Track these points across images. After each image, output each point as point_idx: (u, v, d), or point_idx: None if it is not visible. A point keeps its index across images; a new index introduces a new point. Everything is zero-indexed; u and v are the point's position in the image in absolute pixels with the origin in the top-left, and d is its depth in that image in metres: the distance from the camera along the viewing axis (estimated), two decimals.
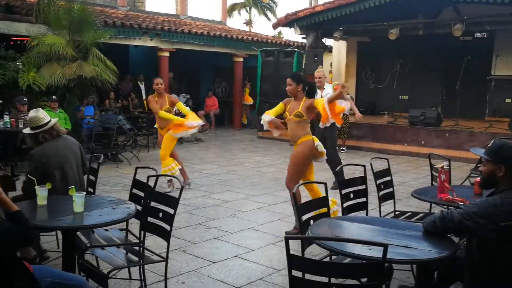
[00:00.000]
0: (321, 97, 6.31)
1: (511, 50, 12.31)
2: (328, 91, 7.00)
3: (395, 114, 13.48)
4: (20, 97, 8.97)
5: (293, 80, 5.19)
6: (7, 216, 2.43)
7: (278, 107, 5.35)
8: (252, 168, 9.31)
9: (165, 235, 3.44)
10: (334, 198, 4.86)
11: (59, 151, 4.09)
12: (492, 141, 3.15)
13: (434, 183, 4.88)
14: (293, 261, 2.32)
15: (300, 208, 3.34)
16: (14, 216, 2.42)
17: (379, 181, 4.45)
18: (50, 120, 4.12)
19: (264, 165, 9.65)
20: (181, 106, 7.41)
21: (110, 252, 3.55)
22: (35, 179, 3.65)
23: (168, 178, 7.15)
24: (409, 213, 4.66)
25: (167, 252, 3.47)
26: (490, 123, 10.99)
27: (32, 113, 4.17)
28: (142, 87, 14.75)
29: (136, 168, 4.26)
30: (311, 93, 5.27)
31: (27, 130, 4.17)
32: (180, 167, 7.26)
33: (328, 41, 15.28)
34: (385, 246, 2.20)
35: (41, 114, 4.14)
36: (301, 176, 5.17)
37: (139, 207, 3.69)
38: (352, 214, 3.87)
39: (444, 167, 3.87)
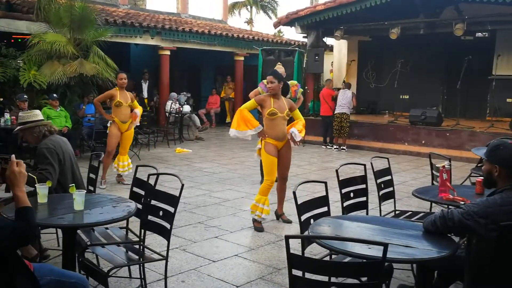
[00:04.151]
0: None
1: None
2: None
3: (396, 113, 13.47)
4: (20, 94, 9.00)
5: (275, 78, 5.34)
6: (15, 211, 2.42)
7: (252, 104, 5.45)
8: (252, 166, 9.30)
9: (165, 234, 3.44)
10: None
11: (62, 147, 4.17)
12: (492, 141, 3.15)
13: (434, 182, 4.88)
14: (293, 260, 2.32)
15: (300, 207, 3.35)
16: (18, 211, 2.40)
17: (379, 180, 4.45)
18: (35, 120, 4.19)
19: None
20: (135, 103, 7.76)
21: (110, 250, 3.55)
22: (35, 177, 3.65)
23: (119, 173, 7.68)
24: (409, 213, 4.66)
25: (167, 250, 3.47)
26: (491, 123, 10.97)
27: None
28: (145, 85, 14.74)
29: (137, 166, 4.26)
30: (285, 91, 5.63)
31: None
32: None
33: (329, 40, 15.30)
34: (385, 245, 2.20)
35: (24, 114, 4.30)
36: None
37: (140, 206, 3.69)
38: (352, 213, 3.87)
39: (445, 166, 3.86)
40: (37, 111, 4.38)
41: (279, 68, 7.02)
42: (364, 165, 4.27)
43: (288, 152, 5.54)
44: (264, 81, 6.19)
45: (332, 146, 12.00)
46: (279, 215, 5.76)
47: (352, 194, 4.00)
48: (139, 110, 7.72)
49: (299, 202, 3.32)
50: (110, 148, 7.46)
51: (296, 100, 7.37)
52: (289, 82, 7.19)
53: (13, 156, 2.54)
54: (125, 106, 7.40)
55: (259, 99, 5.42)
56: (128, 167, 7.60)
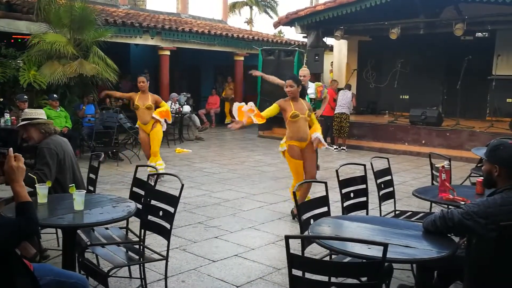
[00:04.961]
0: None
1: None
2: (311, 90, 7.19)
3: (395, 113, 13.48)
4: (20, 94, 9.00)
5: (294, 81, 5.56)
6: (15, 207, 2.39)
7: (274, 108, 5.56)
8: (252, 167, 9.31)
9: (165, 234, 3.44)
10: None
11: (62, 147, 4.18)
12: (492, 141, 3.15)
13: (434, 182, 4.88)
14: (293, 260, 2.32)
15: (300, 207, 3.35)
16: (18, 207, 2.36)
17: (379, 181, 4.45)
18: (38, 118, 4.20)
19: (265, 164, 9.65)
20: (165, 105, 7.79)
21: (111, 250, 3.55)
22: (35, 178, 3.65)
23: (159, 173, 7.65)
24: (409, 213, 4.66)
25: (167, 250, 3.47)
26: (491, 123, 10.98)
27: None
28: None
29: (137, 166, 4.26)
30: (303, 94, 5.87)
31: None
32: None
33: (329, 40, 15.30)
34: (385, 246, 2.20)
35: (31, 110, 4.35)
36: None
37: (140, 206, 3.69)
38: (353, 214, 3.88)
39: (445, 166, 3.86)
40: (42, 111, 4.41)
41: (304, 70, 7.17)
42: (364, 165, 4.27)
43: (312, 152, 5.69)
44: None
45: (332, 147, 12.00)
46: (295, 215, 5.77)
47: (352, 194, 4.00)
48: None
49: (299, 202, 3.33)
50: (145, 153, 7.77)
51: (322, 100, 7.71)
52: (314, 84, 7.40)
53: (10, 149, 2.40)
54: (143, 109, 7.46)
55: (281, 104, 5.56)
56: (162, 163, 7.62)
